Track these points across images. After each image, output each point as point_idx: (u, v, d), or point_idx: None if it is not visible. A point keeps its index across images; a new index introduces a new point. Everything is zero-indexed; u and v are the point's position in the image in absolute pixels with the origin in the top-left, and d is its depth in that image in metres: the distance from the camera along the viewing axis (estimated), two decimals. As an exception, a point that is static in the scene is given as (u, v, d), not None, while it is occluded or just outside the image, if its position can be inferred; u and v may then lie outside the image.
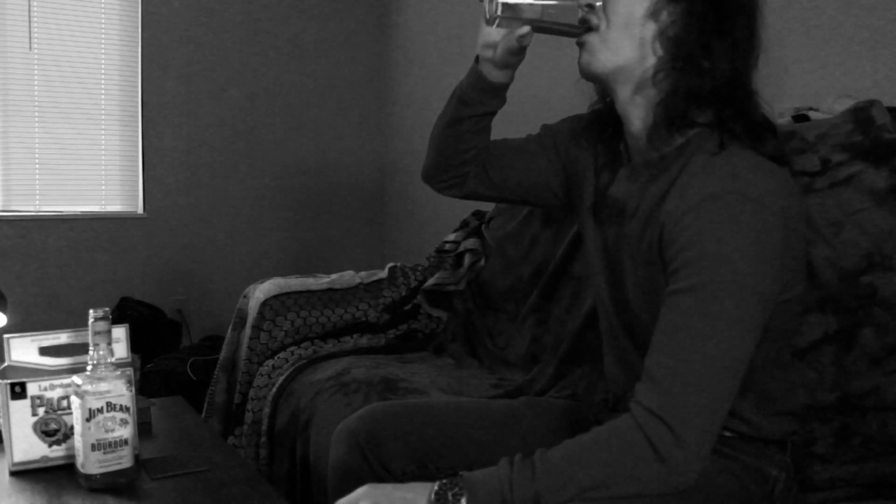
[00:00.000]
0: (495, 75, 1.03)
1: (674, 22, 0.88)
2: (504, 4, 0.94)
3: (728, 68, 0.87)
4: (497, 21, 0.95)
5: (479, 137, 1.10)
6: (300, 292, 2.14)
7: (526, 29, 0.95)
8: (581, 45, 0.94)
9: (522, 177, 1.12)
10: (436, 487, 0.81)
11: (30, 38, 3.09)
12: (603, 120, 1.04)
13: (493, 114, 1.09)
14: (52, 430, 1.08)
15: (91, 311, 0.99)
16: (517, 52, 1.00)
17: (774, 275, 0.82)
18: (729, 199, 0.80)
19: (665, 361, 0.80)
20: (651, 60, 0.90)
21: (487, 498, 0.79)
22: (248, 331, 2.10)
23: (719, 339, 0.79)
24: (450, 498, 0.79)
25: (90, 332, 1.00)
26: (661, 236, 0.86)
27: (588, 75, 0.95)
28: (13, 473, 1.07)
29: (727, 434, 0.92)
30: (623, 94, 0.93)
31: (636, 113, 0.93)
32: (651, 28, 0.89)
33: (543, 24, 0.96)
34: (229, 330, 2.21)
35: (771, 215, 0.81)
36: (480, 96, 1.05)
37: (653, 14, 0.88)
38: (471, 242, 2.33)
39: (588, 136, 1.07)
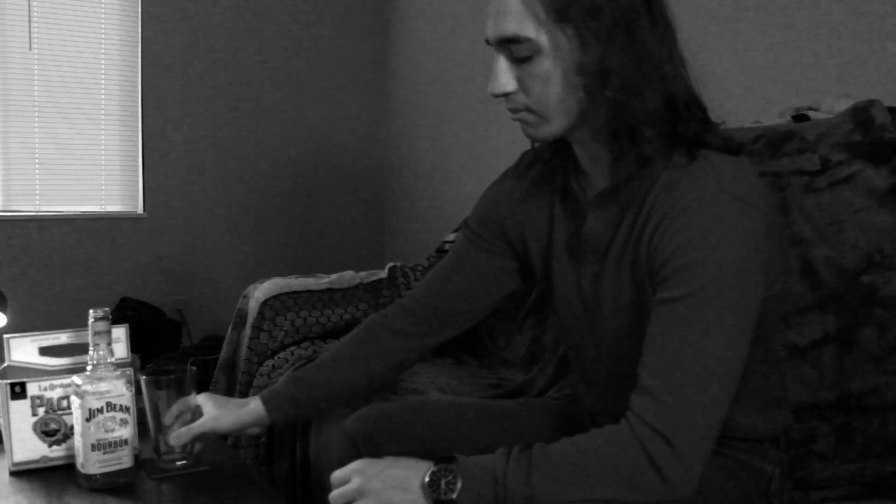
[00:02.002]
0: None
1: (590, 58, 0.83)
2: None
3: (639, 72, 0.82)
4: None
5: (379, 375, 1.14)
6: (300, 292, 2.14)
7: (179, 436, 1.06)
8: (520, 121, 0.90)
9: (485, 287, 1.10)
10: (429, 472, 0.80)
11: (30, 38, 3.09)
12: (547, 166, 1.01)
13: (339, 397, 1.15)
14: (52, 430, 1.08)
15: (91, 311, 0.99)
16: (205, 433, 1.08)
17: (762, 274, 0.82)
18: (717, 200, 0.79)
19: (662, 373, 0.78)
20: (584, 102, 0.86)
21: (480, 490, 0.79)
22: (248, 331, 2.10)
23: (715, 348, 0.78)
24: (443, 485, 0.79)
25: (90, 332, 1.00)
26: (647, 249, 0.84)
27: (539, 141, 0.94)
28: (13, 473, 1.07)
29: (721, 434, 0.91)
30: (580, 136, 0.90)
31: (594, 146, 0.90)
32: (580, 80, 0.84)
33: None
34: (229, 330, 2.21)
35: (757, 213, 0.80)
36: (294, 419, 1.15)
37: (578, 69, 0.83)
38: (471, 242, 2.33)
39: (535, 188, 1.03)
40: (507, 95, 0.87)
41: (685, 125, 0.84)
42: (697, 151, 0.84)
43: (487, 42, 0.89)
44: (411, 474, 0.81)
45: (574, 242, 0.97)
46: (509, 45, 0.85)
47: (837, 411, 1.22)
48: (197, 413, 1.08)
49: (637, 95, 0.82)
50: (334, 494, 0.84)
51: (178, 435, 1.05)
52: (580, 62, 0.83)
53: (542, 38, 0.83)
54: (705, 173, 0.81)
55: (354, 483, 0.82)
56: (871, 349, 1.22)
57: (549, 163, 1.00)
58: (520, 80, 0.86)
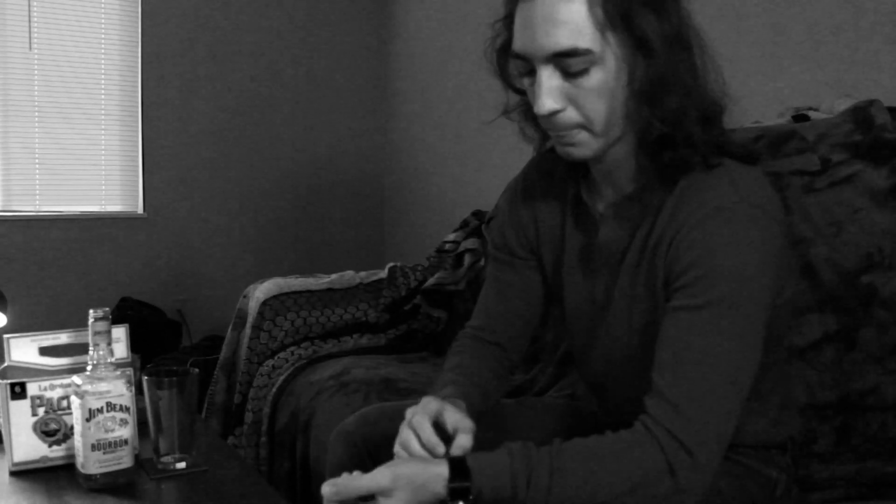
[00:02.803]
0: None
1: (639, 76, 0.81)
2: None
3: (689, 84, 0.82)
4: None
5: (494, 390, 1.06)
6: (300, 292, 2.14)
7: None
8: (570, 144, 0.85)
9: (534, 300, 1.07)
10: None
11: (30, 38, 3.09)
12: (558, 179, 1.00)
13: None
14: (52, 430, 1.08)
15: (91, 311, 0.99)
16: None
17: (775, 281, 0.82)
18: (736, 209, 0.79)
19: (681, 381, 0.78)
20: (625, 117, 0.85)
21: (497, 494, 0.77)
22: (248, 331, 2.10)
23: (731, 357, 0.78)
24: None
25: (90, 332, 1.00)
26: (665, 258, 0.84)
27: (581, 161, 0.89)
28: (13, 473, 1.06)
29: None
30: (612, 152, 0.87)
31: (618, 156, 0.88)
32: (639, 90, 0.82)
33: None
34: (229, 330, 2.21)
35: (773, 221, 0.80)
36: None
37: (638, 78, 0.80)
38: (471, 242, 2.33)
39: (547, 201, 1.02)
40: (554, 114, 0.82)
41: (714, 132, 0.84)
42: (716, 160, 0.83)
43: (517, 56, 0.83)
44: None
45: (586, 254, 0.97)
46: (562, 58, 0.79)
47: (837, 411, 1.22)
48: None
49: (695, 101, 0.81)
50: None
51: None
52: (642, 70, 0.79)
53: (602, 49, 0.78)
54: (723, 182, 0.81)
55: None
56: (872, 349, 1.22)
57: (560, 176, 0.99)
58: (570, 95, 0.81)
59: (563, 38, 0.78)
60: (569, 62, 0.79)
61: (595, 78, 0.80)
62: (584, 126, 0.83)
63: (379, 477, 0.78)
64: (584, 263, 0.97)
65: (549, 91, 0.81)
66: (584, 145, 0.85)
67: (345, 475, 0.80)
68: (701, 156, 0.83)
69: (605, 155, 0.88)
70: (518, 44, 0.83)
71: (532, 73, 0.83)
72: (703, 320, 0.78)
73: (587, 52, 0.78)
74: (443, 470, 0.78)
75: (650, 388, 0.80)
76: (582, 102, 0.81)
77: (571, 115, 0.82)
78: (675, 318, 0.80)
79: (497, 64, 0.89)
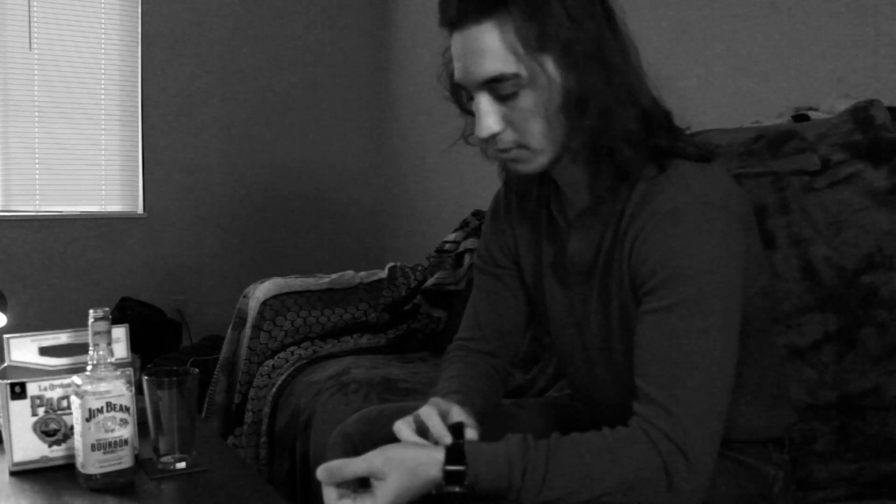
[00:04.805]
0: None
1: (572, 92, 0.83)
2: None
3: (611, 94, 0.83)
4: None
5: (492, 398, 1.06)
6: (300, 292, 2.14)
7: None
8: (512, 161, 0.88)
9: (522, 309, 1.10)
10: (438, 486, 0.79)
11: (30, 38, 3.09)
12: (533, 193, 1.02)
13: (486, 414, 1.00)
14: (52, 430, 1.08)
15: (91, 311, 0.99)
16: None
17: (742, 274, 0.83)
18: (692, 209, 0.80)
19: (666, 384, 0.78)
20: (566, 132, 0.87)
21: (492, 484, 0.78)
22: (248, 331, 2.10)
23: (710, 354, 0.79)
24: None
25: (90, 332, 1.00)
26: (628, 263, 0.85)
27: (529, 175, 0.92)
28: (13, 473, 1.07)
29: (723, 436, 0.91)
30: (561, 161, 0.90)
31: (572, 168, 0.91)
32: (563, 108, 0.84)
33: None
34: (229, 330, 2.21)
35: (732, 216, 0.81)
36: None
37: (560, 97, 0.83)
38: (471, 242, 2.34)
39: (523, 216, 1.04)
40: (494, 136, 0.86)
41: (657, 137, 0.85)
42: (668, 162, 0.85)
43: (458, 85, 0.88)
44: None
45: (559, 265, 0.99)
46: (493, 84, 0.83)
47: (837, 411, 1.22)
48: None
49: (614, 117, 0.83)
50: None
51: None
52: (562, 90, 0.82)
53: (531, 70, 0.82)
54: (676, 184, 0.83)
55: None
56: (871, 349, 1.22)
57: (534, 191, 1.02)
58: (506, 117, 0.85)
59: (489, 66, 0.82)
60: (499, 87, 0.83)
61: (527, 99, 0.83)
62: (522, 145, 0.86)
63: (372, 459, 0.80)
64: (559, 276, 0.99)
65: (486, 115, 0.85)
66: (526, 161, 0.88)
67: (339, 459, 0.81)
68: (649, 161, 0.85)
69: (560, 167, 0.90)
70: (456, 73, 0.87)
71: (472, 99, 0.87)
72: (675, 321, 0.79)
73: (514, 76, 0.82)
74: (438, 454, 0.79)
75: (637, 394, 0.81)
76: (518, 123, 0.85)
77: (509, 135, 0.86)
78: (647, 322, 0.82)
79: (450, 90, 0.92)
